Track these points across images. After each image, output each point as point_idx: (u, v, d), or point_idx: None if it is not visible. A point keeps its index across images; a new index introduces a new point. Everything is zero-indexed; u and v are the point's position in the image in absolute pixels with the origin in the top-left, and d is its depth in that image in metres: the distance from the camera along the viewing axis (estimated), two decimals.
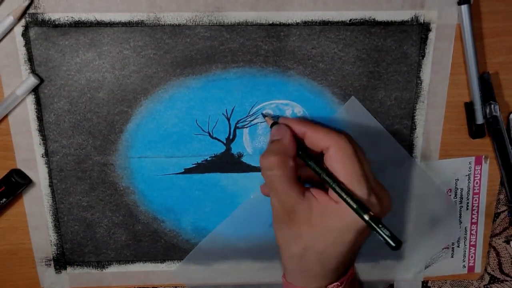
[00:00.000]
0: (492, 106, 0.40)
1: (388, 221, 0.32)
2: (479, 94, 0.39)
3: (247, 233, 0.43)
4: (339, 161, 0.32)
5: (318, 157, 0.34)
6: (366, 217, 0.31)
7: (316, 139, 0.34)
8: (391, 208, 0.35)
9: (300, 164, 0.35)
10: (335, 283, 0.36)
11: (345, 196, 0.32)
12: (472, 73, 0.38)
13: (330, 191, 0.33)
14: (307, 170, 0.35)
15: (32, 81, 0.37)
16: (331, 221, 0.33)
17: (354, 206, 0.31)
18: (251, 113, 0.40)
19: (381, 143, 0.41)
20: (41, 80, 0.38)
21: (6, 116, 0.39)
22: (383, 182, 0.35)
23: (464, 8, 0.36)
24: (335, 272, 0.35)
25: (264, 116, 0.39)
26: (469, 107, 0.40)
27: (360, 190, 0.32)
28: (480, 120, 0.40)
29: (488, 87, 0.39)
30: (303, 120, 0.36)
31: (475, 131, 0.40)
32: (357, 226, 0.32)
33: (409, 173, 0.42)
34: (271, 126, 0.37)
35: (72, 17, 0.36)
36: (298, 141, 0.35)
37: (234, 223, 0.43)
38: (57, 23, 0.36)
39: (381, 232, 0.31)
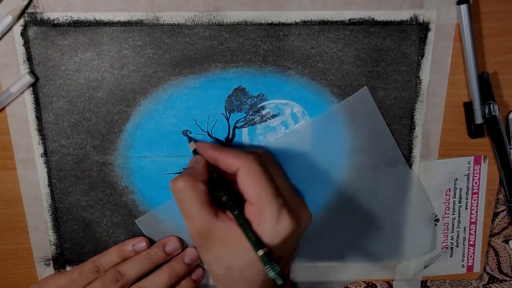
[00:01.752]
0: (491, 106, 0.40)
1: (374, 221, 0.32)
2: (478, 94, 0.39)
3: None
4: (248, 182, 0.33)
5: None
6: (259, 252, 0.32)
7: (226, 163, 0.34)
8: (311, 222, 0.36)
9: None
10: None
11: (243, 229, 0.33)
12: (471, 73, 0.38)
13: (245, 211, 0.34)
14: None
15: (27, 79, 0.37)
16: (245, 241, 0.33)
17: (251, 239, 0.33)
18: (250, 113, 0.40)
19: (380, 140, 0.41)
20: (36, 79, 0.38)
21: (3, 114, 0.39)
22: (373, 180, 0.35)
23: (463, 7, 0.36)
24: (264, 287, 0.35)
25: (189, 140, 0.40)
26: (468, 107, 0.40)
27: (270, 209, 0.33)
28: (479, 120, 0.40)
29: (487, 87, 0.39)
30: (216, 145, 0.36)
31: (474, 131, 0.40)
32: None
33: (401, 177, 0.42)
34: (193, 152, 0.38)
35: (71, 17, 0.36)
36: (215, 169, 0.36)
37: None
38: (56, 22, 0.36)
39: (270, 269, 0.32)
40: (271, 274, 0.32)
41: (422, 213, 0.43)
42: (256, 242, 0.32)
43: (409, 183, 0.42)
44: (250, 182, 0.33)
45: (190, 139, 0.40)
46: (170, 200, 0.41)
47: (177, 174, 0.41)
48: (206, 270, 0.43)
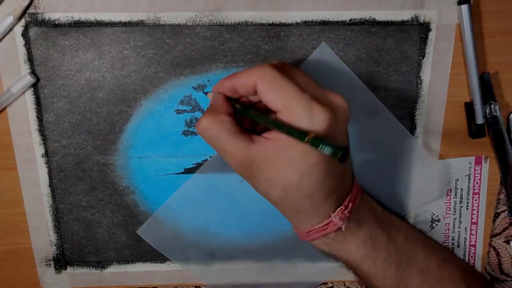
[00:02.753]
0: (492, 106, 0.40)
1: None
2: (479, 94, 0.39)
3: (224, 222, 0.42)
4: (268, 91, 0.31)
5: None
6: (307, 139, 0.29)
7: (243, 84, 0.32)
8: (349, 109, 0.33)
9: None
10: (339, 208, 0.34)
11: (277, 125, 0.31)
12: (472, 73, 0.38)
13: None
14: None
15: (28, 79, 0.37)
16: (290, 152, 0.31)
17: (294, 133, 0.30)
18: None
19: (354, 92, 0.39)
20: (37, 79, 0.38)
21: (4, 114, 0.39)
22: (356, 132, 0.34)
23: (464, 8, 0.36)
24: (329, 199, 0.33)
25: (206, 93, 0.38)
26: (469, 107, 0.40)
27: (298, 106, 0.30)
28: (480, 120, 0.40)
29: (488, 87, 0.39)
30: (228, 75, 0.34)
31: (475, 131, 0.40)
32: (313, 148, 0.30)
33: (383, 124, 0.40)
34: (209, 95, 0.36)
35: (72, 17, 0.36)
36: (235, 99, 0.34)
37: (201, 180, 0.41)
38: (57, 23, 0.36)
39: (324, 149, 0.29)
40: (327, 150, 0.29)
41: (421, 159, 0.41)
42: (300, 132, 0.30)
43: (396, 129, 0.40)
44: (270, 89, 0.31)
45: (206, 93, 0.38)
46: (164, 203, 0.42)
47: (177, 174, 0.41)
48: None
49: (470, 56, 0.38)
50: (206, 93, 0.39)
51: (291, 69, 0.33)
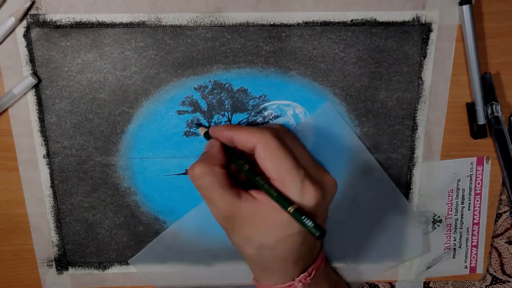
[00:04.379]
0: (494, 106, 0.39)
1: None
2: (481, 94, 0.39)
3: (209, 231, 0.43)
4: (266, 157, 0.32)
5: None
6: (290, 209, 0.31)
7: (242, 141, 0.34)
8: (336, 189, 0.35)
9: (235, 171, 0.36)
10: (303, 274, 0.36)
11: (267, 190, 0.32)
12: (474, 73, 0.38)
13: None
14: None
15: (29, 80, 0.37)
16: (273, 216, 0.32)
17: (279, 200, 0.32)
18: (252, 114, 0.40)
19: (352, 151, 0.41)
20: (39, 80, 0.38)
21: (6, 115, 0.39)
22: (350, 189, 0.36)
23: (466, 8, 0.36)
24: (297, 264, 0.35)
25: (197, 126, 0.39)
26: (470, 107, 0.40)
27: (292, 181, 0.32)
28: (481, 120, 0.40)
29: (489, 88, 0.39)
30: (230, 125, 0.36)
31: (476, 132, 0.40)
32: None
33: (377, 183, 0.42)
34: (204, 135, 0.38)
35: (73, 18, 0.36)
36: (231, 149, 0.36)
37: (197, 217, 0.42)
38: (58, 24, 0.36)
39: (305, 223, 0.31)
40: (308, 224, 0.31)
41: (408, 218, 0.43)
42: (285, 201, 0.31)
43: (389, 188, 0.42)
44: (269, 157, 0.32)
45: (199, 125, 0.39)
46: (154, 240, 0.43)
47: (179, 175, 0.41)
48: None
49: (471, 57, 0.38)
50: (199, 126, 0.39)
51: (290, 138, 0.35)
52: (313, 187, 0.32)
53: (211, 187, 0.33)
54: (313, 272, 0.36)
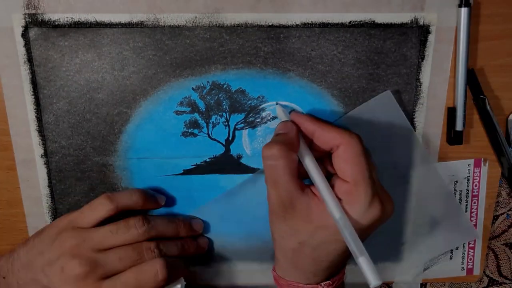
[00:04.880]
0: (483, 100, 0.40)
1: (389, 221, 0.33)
2: (464, 100, 0.39)
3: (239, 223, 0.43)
4: (348, 160, 0.33)
5: (320, 158, 0.35)
6: (337, 218, 0.32)
7: (326, 137, 0.34)
8: (392, 214, 0.35)
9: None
10: (326, 282, 0.36)
11: (325, 198, 0.33)
12: (460, 77, 0.38)
13: (337, 187, 0.33)
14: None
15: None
16: (327, 218, 0.32)
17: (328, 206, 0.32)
18: (250, 114, 0.40)
19: (405, 143, 0.40)
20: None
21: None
22: (397, 181, 0.36)
23: (464, 10, 0.36)
24: (326, 270, 0.35)
25: (277, 104, 0.39)
26: (451, 112, 0.40)
27: (366, 191, 0.32)
28: (460, 127, 0.39)
29: (475, 83, 0.39)
30: (314, 118, 0.36)
31: (453, 137, 0.40)
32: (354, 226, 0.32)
33: (423, 175, 0.41)
34: (278, 112, 0.37)
35: (71, 18, 0.36)
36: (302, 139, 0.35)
37: (228, 201, 0.42)
38: (56, 23, 0.36)
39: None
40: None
41: (447, 202, 0.43)
42: (337, 210, 0.32)
43: (433, 177, 0.41)
44: (351, 161, 0.32)
45: (278, 105, 0.39)
46: None
47: (176, 176, 0.41)
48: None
49: (461, 61, 0.38)
50: (276, 104, 0.39)
51: (367, 151, 0.34)
52: (380, 204, 0.32)
53: (282, 171, 0.33)
54: (336, 282, 0.36)
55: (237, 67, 0.38)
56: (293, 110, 0.38)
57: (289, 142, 0.34)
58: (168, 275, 0.36)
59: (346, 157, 0.33)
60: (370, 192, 0.32)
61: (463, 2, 0.36)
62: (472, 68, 0.39)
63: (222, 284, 0.45)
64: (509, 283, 0.47)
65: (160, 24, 0.37)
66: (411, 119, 0.40)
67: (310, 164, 0.34)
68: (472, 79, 0.39)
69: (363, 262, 0.31)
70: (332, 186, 0.33)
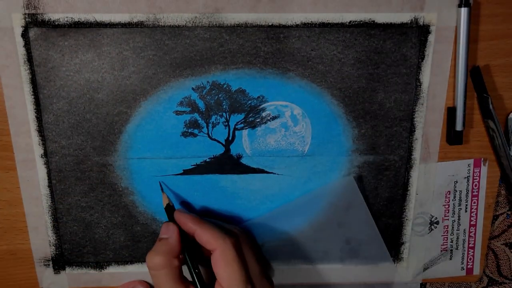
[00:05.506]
0: (486, 99, 0.39)
1: None
2: (464, 100, 0.39)
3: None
4: (221, 266, 0.35)
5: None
6: None
7: (204, 240, 0.36)
8: None
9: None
10: None
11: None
12: (460, 77, 0.38)
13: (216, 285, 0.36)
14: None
15: None
16: None
17: None
18: (250, 114, 0.40)
19: (363, 230, 0.42)
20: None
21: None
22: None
23: (464, 10, 0.36)
24: None
25: (162, 192, 0.40)
26: (451, 112, 0.40)
27: None
28: (459, 127, 0.39)
29: (479, 81, 0.39)
30: (196, 218, 0.37)
31: (453, 137, 0.40)
32: None
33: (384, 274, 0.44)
34: (165, 208, 0.39)
35: (71, 18, 0.36)
36: (187, 238, 0.38)
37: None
38: (56, 23, 0.36)
39: None
40: None
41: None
42: None
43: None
44: (223, 267, 0.35)
45: (163, 191, 0.40)
46: None
47: (176, 175, 0.41)
48: None
49: (461, 61, 0.38)
50: (163, 192, 0.40)
51: (247, 246, 0.37)
52: None
53: (165, 279, 0.36)
54: None
55: (237, 67, 0.38)
56: (178, 210, 0.39)
57: (170, 249, 0.36)
58: None
59: (220, 263, 0.35)
60: None
61: (463, 2, 0.36)
62: (478, 66, 0.39)
63: None
64: (509, 283, 0.47)
65: (160, 24, 0.37)
66: (411, 119, 0.40)
67: (192, 268, 0.37)
68: (477, 77, 0.39)
69: None
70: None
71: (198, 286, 0.37)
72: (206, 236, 0.36)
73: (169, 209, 0.39)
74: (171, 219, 0.39)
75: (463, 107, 0.39)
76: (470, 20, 0.36)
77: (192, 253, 0.38)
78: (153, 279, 0.36)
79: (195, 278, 0.37)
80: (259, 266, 0.38)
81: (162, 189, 0.41)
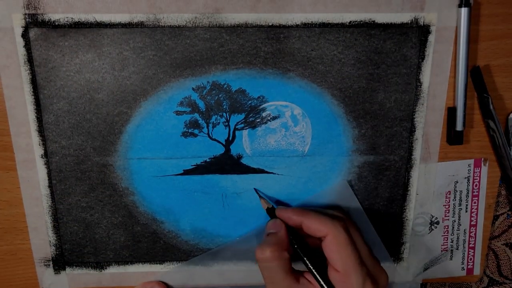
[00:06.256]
0: (486, 99, 0.39)
1: None
2: (464, 100, 0.39)
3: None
4: (334, 250, 0.35)
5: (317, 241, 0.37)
6: None
7: (312, 228, 0.36)
8: (387, 285, 0.37)
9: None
10: None
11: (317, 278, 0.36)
12: (461, 77, 0.38)
13: (330, 276, 0.36)
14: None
15: None
16: None
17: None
18: (250, 114, 0.40)
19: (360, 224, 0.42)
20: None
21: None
22: None
23: (464, 10, 0.36)
24: None
25: (260, 197, 0.41)
26: (451, 112, 0.40)
27: (356, 278, 0.34)
28: (460, 127, 0.39)
29: (480, 81, 0.39)
30: (299, 210, 0.38)
31: (453, 137, 0.40)
32: None
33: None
34: (267, 211, 0.40)
35: (72, 18, 0.36)
36: (293, 230, 0.38)
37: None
38: (57, 24, 0.36)
39: None
40: None
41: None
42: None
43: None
44: (337, 251, 0.35)
45: (261, 197, 0.41)
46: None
47: (177, 176, 0.41)
48: None
49: (461, 60, 0.38)
50: (260, 197, 0.41)
51: (354, 230, 0.37)
52: (372, 286, 0.35)
53: (276, 271, 0.36)
54: None
55: (237, 67, 0.38)
56: (279, 208, 0.39)
57: (280, 242, 0.37)
58: None
59: (333, 248, 0.35)
60: (361, 279, 0.34)
61: (463, 2, 0.36)
62: (478, 66, 0.39)
63: (223, 284, 0.45)
64: (509, 283, 0.47)
65: (160, 24, 0.37)
66: (411, 119, 0.40)
67: (305, 258, 0.37)
68: (477, 77, 0.39)
69: None
70: (327, 273, 0.36)
71: (315, 273, 0.36)
72: (315, 224, 0.36)
73: (271, 211, 0.40)
74: (274, 217, 0.39)
75: (463, 107, 0.39)
76: (470, 20, 0.36)
77: (301, 244, 0.38)
78: (263, 272, 0.37)
79: (310, 266, 0.37)
80: (367, 248, 0.37)
81: (259, 196, 0.41)
